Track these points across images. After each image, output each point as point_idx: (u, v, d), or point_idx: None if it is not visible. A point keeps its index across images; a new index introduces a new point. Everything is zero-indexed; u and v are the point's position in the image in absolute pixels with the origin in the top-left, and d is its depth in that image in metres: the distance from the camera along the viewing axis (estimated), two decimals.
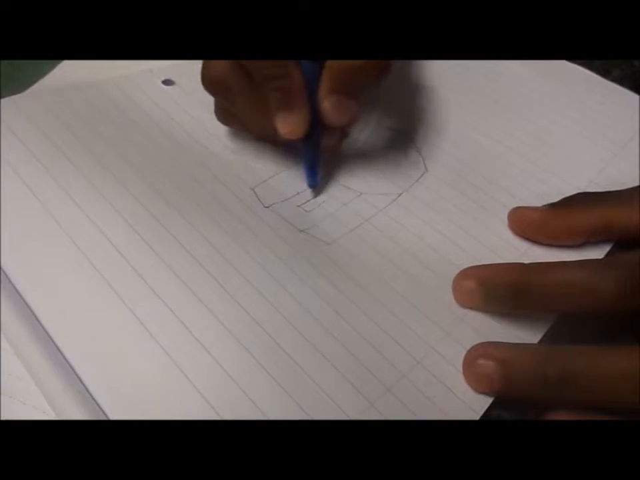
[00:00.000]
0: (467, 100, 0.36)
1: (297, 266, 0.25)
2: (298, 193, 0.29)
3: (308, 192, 0.29)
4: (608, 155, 0.33)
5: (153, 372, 0.21)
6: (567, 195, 0.28)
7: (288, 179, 0.30)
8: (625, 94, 0.38)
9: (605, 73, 0.41)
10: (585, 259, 0.23)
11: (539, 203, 0.28)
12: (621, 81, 0.40)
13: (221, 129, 0.31)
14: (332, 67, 0.25)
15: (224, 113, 0.29)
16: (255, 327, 0.23)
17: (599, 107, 0.36)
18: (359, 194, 0.29)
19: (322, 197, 0.29)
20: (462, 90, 0.36)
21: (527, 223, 0.27)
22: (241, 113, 0.28)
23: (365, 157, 0.31)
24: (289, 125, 0.26)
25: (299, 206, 0.28)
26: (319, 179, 0.29)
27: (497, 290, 0.23)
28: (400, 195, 0.29)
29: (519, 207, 0.27)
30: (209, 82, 0.27)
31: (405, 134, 0.33)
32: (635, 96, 0.38)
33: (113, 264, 0.24)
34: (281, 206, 0.28)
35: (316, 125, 0.27)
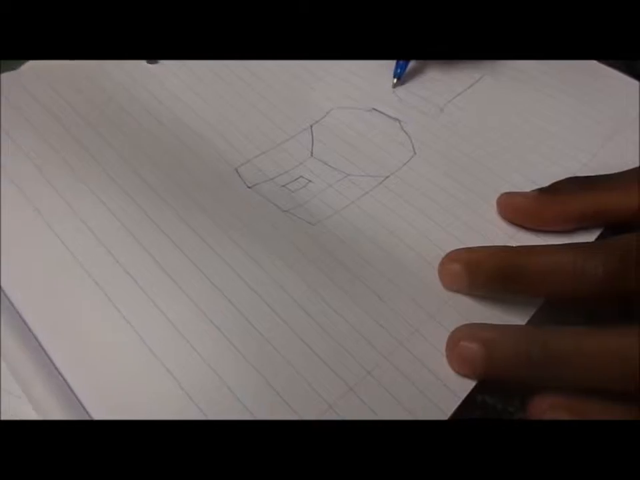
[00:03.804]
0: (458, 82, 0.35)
1: (278, 246, 0.25)
2: (284, 172, 0.28)
3: (293, 171, 0.28)
4: (601, 139, 0.32)
5: (138, 370, 0.21)
6: (559, 179, 0.28)
7: (273, 158, 0.29)
8: (620, 78, 0.37)
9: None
10: (573, 242, 0.22)
11: (530, 187, 0.28)
12: (617, 65, 0.39)
13: (205, 109, 0.31)
14: None
15: None
16: (233, 311, 0.22)
17: (593, 91, 0.36)
18: (346, 175, 0.29)
19: (307, 177, 0.28)
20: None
21: (516, 209, 0.26)
22: None
23: (353, 138, 0.31)
24: None
25: (283, 186, 0.28)
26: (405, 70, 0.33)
27: (483, 273, 0.22)
28: (387, 177, 0.29)
29: (508, 193, 0.27)
30: None
31: (393, 116, 0.32)
32: (631, 80, 0.37)
33: (93, 254, 0.24)
34: (264, 186, 0.27)
35: None
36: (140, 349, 0.21)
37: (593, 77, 0.37)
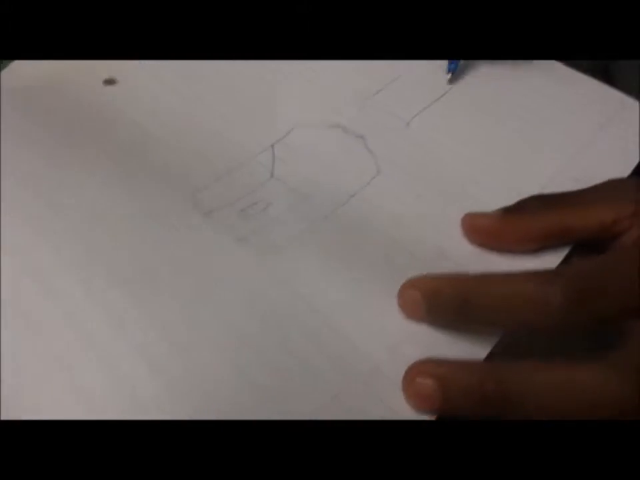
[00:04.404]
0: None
1: (230, 280, 0.24)
2: (244, 195, 0.27)
3: (253, 194, 0.27)
4: (570, 151, 0.32)
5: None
6: (528, 194, 0.27)
7: (233, 181, 0.28)
8: (591, 83, 0.37)
9: (574, 62, 0.40)
10: (534, 270, 0.21)
11: (498, 204, 0.27)
12: (588, 70, 0.38)
13: (160, 130, 0.30)
14: None
15: None
16: (174, 352, 0.22)
17: (563, 99, 0.35)
18: (307, 197, 0.28)
19: (267, 199, 0.27)
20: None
21: (480, 230, 0.25)
22: None
23: (316, 157, 0.30)
24: None
25: (242, 210, 0.27)
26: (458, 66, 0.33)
27: (442, 301, 0.22)
28: (350, 198, 0.28)
29: (471, 213, 0.26)
30: None
31: (357, 132, 0.32)
32: (604, 86, 0.37)
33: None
34: (221, 212, 0.26)
35: None
36: None
37: (565, 85, 0.36)
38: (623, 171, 0.30)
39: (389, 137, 0.31)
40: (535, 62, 0.37)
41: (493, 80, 0.36)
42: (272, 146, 0.30)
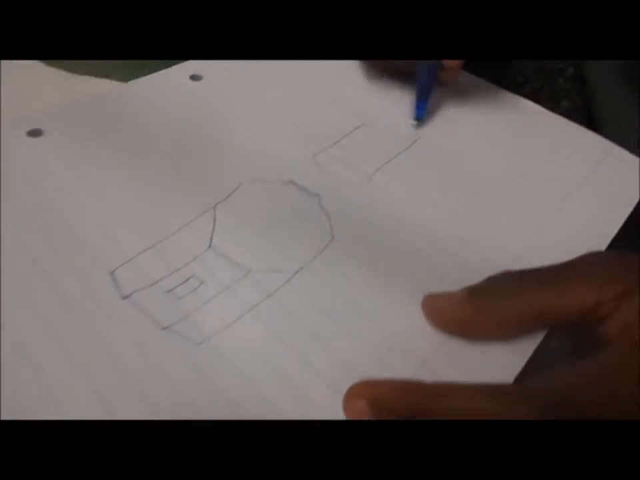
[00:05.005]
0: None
1: (149, 379, 0.20)
2: (173, 272, 0.24)
3: (184, 270, 0.24)
4: (551, 210, 0.28)
5: None
6: (500, 264, 0.24)
7: (162, 254, 0.24)
8: (570, 127, 0.34)
9: (554, 105, 0.37)
10: (496, 385, 0.18)
11: (465, 280, 0.23)
12: (569, 114, 0.35)
13: (81, 193, 0.26)
14: None
15: None
16: None
17: (545, 150, 0.32)
18: (248, 271, 0.24)
19: (200, 276, 0.24)
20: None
21: (443, 316, 0.22)
22: None
23: (263, 220, 0.26)
24: None
25: (169, 291, 0.23)
26: (425, 113, 0.32)
27: (391, 413, 0.18)
28: (297, 271, 0.24)
29: (431, 295, 0.22)
30: None
31: (312, 189, 0.28)
32: (586, 131, 0.34)
33: None
34: (144, 293, 0.23)
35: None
36: None
37: (542, 130, 0.33)
38: (604, 233, 0.27)
39: (347, 194, 0.28)
40: (506, 102, 0.35)
41: (464, 125, 0.33)
42: (214, 207, 0.27)
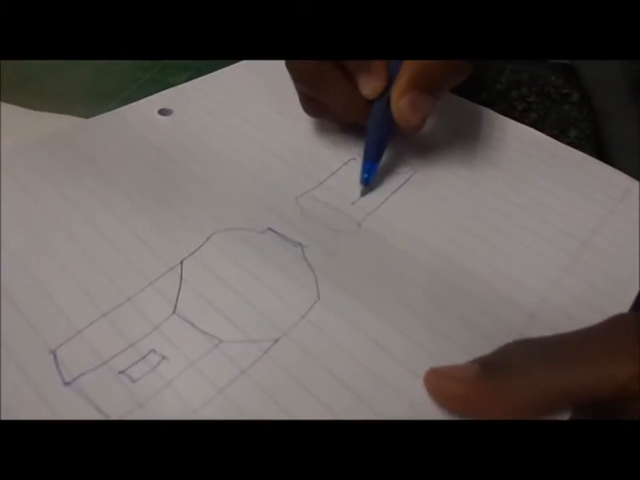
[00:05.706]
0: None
1: None
2: (128, 347, 0.20)
3: (142, 343, 0.20)
4: (566, 257, 0.25)
5: None
6: (514, 324, 0.21)
7: (115, 325, 0.21)
8: (590, 163, 0.30)
9: (560, 134, 0.34)
10: None
11: (474, 338, 0.20)
12: (578, 144, 0.32)
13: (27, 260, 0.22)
14: (410, 64, 0.25)
15: (310, 103, 0.29)
16: None
17: (560, 188, 0.28)
18: (218, 342, 0.20)
19: (161, 351, 0.20)
20: None
21: (451, 398, 0.18)
22: (330, 96, 0.27)
23: (237, 277, 0.23)
24: (369, 86, 0.26)
25: (122, 372, 0.19)
26: (374, 176, 0.27)
27: None
28: (276, 341, 0.21)
29: (436, 371, 0.19)
30: (299, 72, 0.27)
31: (294, 238, 0.25)
32: (606, 166, 0.30)
33: None
34: (91, 377, 0.19)
35: (385, 117, 0.26)
36: None
37: (549, 162, 0.30)
38: (628, 283, 0.24)
39: (334, 244, 0.25)
40: (508, 132, 0.31)
41: (463, 157, 0.30)
42: (180, 263, 0.23)
